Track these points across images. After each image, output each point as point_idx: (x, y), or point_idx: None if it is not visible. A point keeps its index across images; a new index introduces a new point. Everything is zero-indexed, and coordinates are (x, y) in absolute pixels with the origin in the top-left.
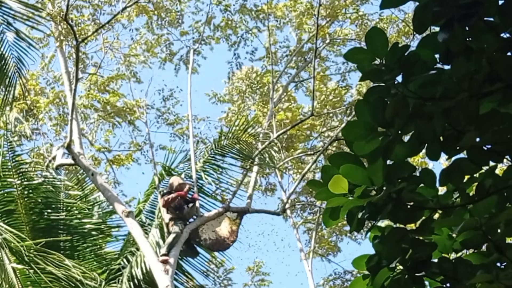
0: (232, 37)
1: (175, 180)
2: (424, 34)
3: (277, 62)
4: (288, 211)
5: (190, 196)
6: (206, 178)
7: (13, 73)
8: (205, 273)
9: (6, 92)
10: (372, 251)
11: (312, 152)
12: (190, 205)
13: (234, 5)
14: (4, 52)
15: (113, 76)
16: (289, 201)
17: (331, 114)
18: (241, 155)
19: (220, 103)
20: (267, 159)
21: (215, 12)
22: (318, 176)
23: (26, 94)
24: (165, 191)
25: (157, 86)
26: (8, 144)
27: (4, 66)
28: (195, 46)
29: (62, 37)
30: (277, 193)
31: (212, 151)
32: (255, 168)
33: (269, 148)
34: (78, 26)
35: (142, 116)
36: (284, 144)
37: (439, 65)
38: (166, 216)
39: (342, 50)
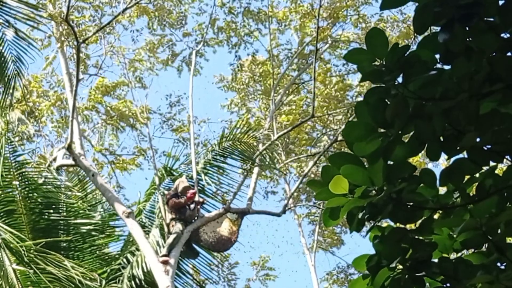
0: (233, 39)
1: (180, 183)
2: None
3: (279, 64)
4: (291, 204)
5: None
6: (206, 179)
7: (12, 72)
8: (209, 266)
9: (5, 92)
10: None
11: (313, 154)
12: (192, 206)
13: (238, 8)
14: (3, 51)
15: (118, 83)
16: (290, 201)
17: (334, 112)
18: (242, 156)
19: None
20: (268, 160)
21: (219, 14)
22: None
23: (28, 96)
24: (172, 192)
25: (160, 88)
26: (9, 144)
27: (3, 65)
28: (198, 48)
29: (63, 38)
30: (279, 191)
31: (213, 152)
32: (256, 170)
33: (270, 150)
34: (79, 27)
35: (144, 119)
36: (284, 147)
37: (439, 66)
38: (168, 217)
39: (343, 53)
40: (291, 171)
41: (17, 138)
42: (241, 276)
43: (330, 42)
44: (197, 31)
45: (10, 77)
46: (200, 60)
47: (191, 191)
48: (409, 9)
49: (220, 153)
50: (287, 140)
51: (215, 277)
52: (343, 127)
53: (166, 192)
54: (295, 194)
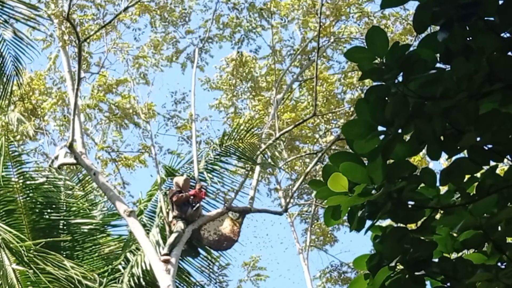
0: (236, 35)
1: (179, 179)
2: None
3: (282, 60)
4: (282, 200)
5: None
6: (210, 178)
7: (11, 72)
8: (201, 269)
9: (4, 92)
10: (368, 242)
11: (315, 152)
12: (195, 207)
13: (243, 3)
14: (2, 51)
15: (122, 80)
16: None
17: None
18: (244, 155)
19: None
20: (269, 159)
21: (223, 10)
22: None
23: (30, 94)
24: (174, 190)
25: (164, 85)
26: (10, 144)
27: (2, 65)
28: (201, 45)
29: (65, 37)
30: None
31: (215, 151)
32: (257, 168)
33: (272, 148)
34: (82, 26)
35: (147, 117)
36: (286, 145)
37: (440, 65)
38: (170, 215)
39: (347, 48)
40: (286, 170)
41: (18, 137)
42: (232, 278)
43: (332, 39)
44: (201, 28)
45: (8, 77)
46: (205, 57)
47: (196, 188)
48: (412, 5)
49: (222, 153)
50: (290, 138)
51: (212, 277)
52: (335, 124)
53: (168, 191)
54: (287, 192)
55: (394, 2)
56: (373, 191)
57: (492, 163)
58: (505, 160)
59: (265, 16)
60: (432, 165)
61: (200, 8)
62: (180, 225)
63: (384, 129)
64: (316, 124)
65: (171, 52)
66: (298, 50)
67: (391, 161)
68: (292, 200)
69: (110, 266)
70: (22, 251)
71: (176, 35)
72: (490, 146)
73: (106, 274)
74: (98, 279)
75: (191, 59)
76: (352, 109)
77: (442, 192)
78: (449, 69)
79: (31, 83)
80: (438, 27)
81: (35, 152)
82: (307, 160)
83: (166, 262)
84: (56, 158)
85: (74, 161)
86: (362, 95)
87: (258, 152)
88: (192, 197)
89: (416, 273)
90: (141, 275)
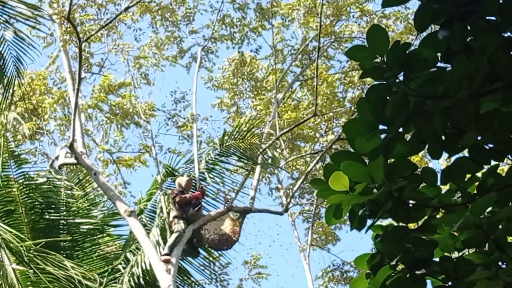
0: (237, 35)
1: (182, 180)
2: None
3: (283, 60)
4: (284, 199)
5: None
6: (212, 177)
7: (12, 73)
8: (201, 269)
9: (5, 92)
10: (370, 242)
11: (316, 151)
12: (196, 208)
13: (249, 3)
14: (3, 52)
15: (123, 83)
16: (285, 199)
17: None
18: (244, 155)
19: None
20: (270, 160)
21: (229, 10)
22: None
23: (31, 94)
24: (177, 190)
25: (167, 85)
26: (9, 143)
27: (2, 66)
28: (204, 44)
29: (66, 37)
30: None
31: (215, 151)
32: (258, 168)
33: (272, 148)
34: (83, 26)
35: (148, 116)
36: (287, 144)
37: (441, 64)
38: (171, 214)
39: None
40: (288, 169)
41: (19, 137)
42: (232, 276)
43: (333, 39)
44: (206, 28)
45: (9, 78)
46: (212, 57)
47: (198, 191)
48: (413, 4)
49: (222, 152)
50: (291, 137)
51: (213, 276)
52: (336, 123)
53: (169, 191)
54: (288, 191)
55: (395, 1)
56: (374, 190)
57: (493, 163)
58: (506, 159)
59: (267, 16)
60: (431, 164)
61: (205, 8)
62: (181, 225)
63: (385, 128)
64: (316, 124)
65: (175, 51)
66: (299, 50)
67: (392, 160)
68: (293, 200)
69: (110, 266)
70: (22, 251)
71: (180, 34)
72: (490, 145)
73: (106, 274)
74: (98, 279)
75: (196, 59)
76: (353, 108)
77: (443, 191)
78: (450, 68)
79: (32, 83)
80: (439, 26)
81: (35, 152)
82: (308, 159)
83: (167, 262)
84: (57, 158)
85: (75, 161)
86: (363, 94)
87: (259, 152)
88: (195, 200)
89: (417, 272)
90: (141, 275)
